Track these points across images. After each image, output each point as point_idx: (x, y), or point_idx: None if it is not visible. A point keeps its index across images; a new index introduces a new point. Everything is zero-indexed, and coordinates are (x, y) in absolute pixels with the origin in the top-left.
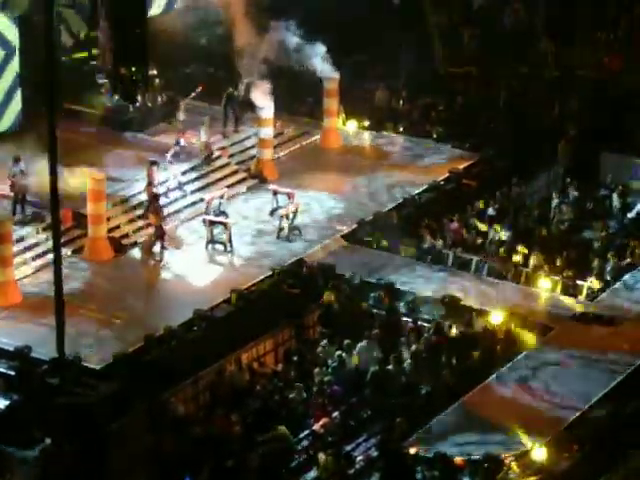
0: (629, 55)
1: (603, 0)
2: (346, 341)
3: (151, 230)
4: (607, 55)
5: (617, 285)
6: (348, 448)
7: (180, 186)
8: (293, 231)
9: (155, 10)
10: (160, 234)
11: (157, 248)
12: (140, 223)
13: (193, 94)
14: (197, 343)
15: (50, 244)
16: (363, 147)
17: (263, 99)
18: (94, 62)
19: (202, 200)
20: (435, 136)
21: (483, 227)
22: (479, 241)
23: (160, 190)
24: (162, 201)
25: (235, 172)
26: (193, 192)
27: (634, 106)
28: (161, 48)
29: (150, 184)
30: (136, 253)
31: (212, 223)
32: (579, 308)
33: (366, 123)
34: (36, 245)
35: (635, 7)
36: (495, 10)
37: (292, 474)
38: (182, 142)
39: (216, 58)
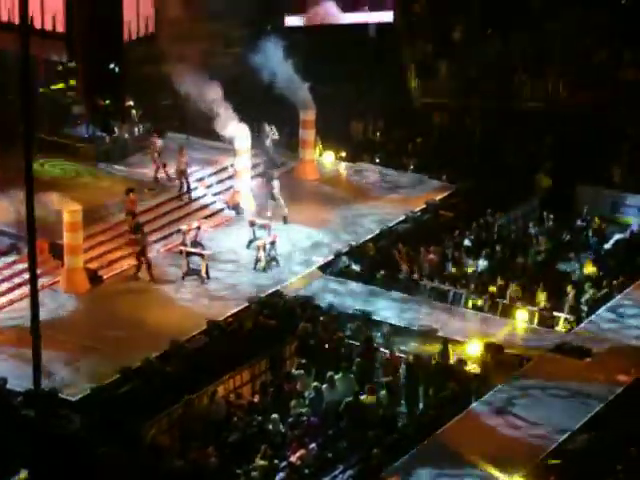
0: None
1: (576, 36)
2: (329, 373)
3: (132, 261)
4: (574, 90)
5: (594, 316)
6: None
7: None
8: (270, 262)
9: None
10: (141, 262)
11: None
12: (118, 254)
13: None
14: (173, 375)
15: (26, 275)
16: (340, 178)
17: (237, 130)
18: (71, 93)
19: (179, 231)
20: (412, 167)
21: (460, 258)
22: (456, 272)
23: (140, 218)
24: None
25: (212, 203)
26: (170, 223)
27: (610, 139)
28: (139, 79)
29: (129, 213)
30: (112, 284)
31: (189, 254)
32: (556, 339)
33: (343, 154)
34: (12, 276)
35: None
36: (472, 43)
37: None
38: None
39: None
